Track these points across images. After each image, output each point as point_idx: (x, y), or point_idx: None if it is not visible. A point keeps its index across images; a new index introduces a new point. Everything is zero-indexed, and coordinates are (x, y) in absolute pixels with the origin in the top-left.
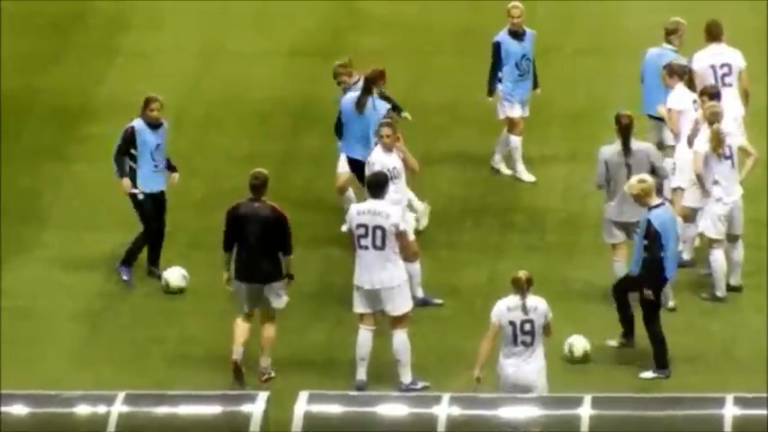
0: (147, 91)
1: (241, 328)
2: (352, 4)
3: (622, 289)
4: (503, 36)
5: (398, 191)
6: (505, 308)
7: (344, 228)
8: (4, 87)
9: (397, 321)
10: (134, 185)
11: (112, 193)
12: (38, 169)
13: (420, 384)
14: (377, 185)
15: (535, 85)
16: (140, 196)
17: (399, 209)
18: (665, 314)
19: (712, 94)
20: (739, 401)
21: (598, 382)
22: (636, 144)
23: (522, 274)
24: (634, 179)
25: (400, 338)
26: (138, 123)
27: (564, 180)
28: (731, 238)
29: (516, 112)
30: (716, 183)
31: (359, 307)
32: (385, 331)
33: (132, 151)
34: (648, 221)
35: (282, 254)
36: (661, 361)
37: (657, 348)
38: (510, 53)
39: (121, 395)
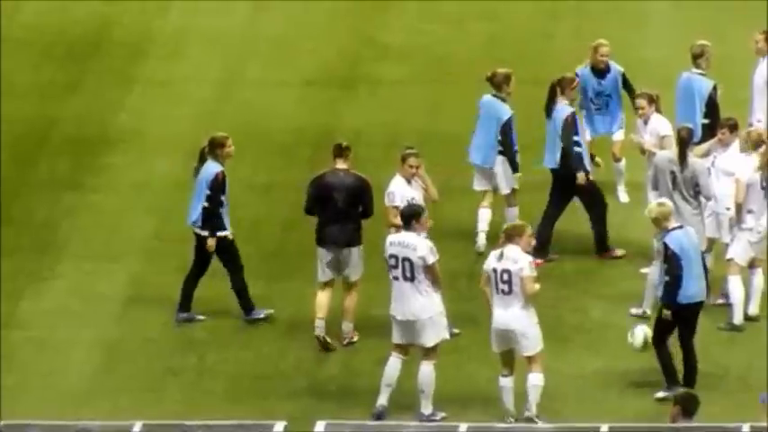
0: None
1: (320, 299)
2: (370, 34)
3: (658, 338)
4: (584, 69)
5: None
6: (493, 257)
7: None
8: (22, 117)
9: (426, 353)
10: (220, 229)
11: (129, 223)
12: (55, 199)
13: (439, 416)
14: (410, 217)
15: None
16: (230, 236)
17: (427, 241)
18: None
19: (731, 125)
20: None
21: (612, 408)
22: (691, 158)
23: (509, 227)
24: (654, 203)
25: (427, 370)
26: (220, 167)
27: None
28: (753, 265)
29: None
30: (749, 212)
31: (395, 338)
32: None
33: (222, 197)
34: (665, 245)
35: (363, 217)
36: (672, 381)
37: (686, 371)
38: (588, 88)
39: (138, 425)
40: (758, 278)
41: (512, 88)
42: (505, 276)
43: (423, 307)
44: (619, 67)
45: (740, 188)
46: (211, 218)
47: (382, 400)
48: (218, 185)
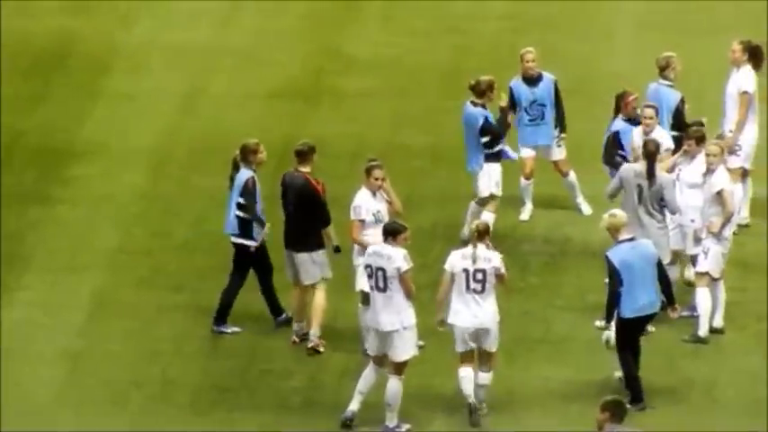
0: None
1: (292, 303)
2: (334, 46)
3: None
4: (515, 81)
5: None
6: (459, 256)
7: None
8: None
9: (396, 367)
10: (250, 238)
11: (94, 235)
12: (21, 211)
13: (404, 427)
14: (391, 233)
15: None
16: (256, 247)
17: (403, 250)
18: (649, 355)
19: (698, 137)
20: None
21: (576, 419)
22: (658, 172)
23: (479, 224)
24: (607, 213)
25: (395, 385)
26: (251, 173)
27: (546, 222)
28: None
29: (524, 153)
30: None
31: (371, 349)
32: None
33: (247, 200)
34: (606, 257)
35: (318, 225)
36: (635, 395)
37: (629, 382)
38: (521, 98)
39: None
40: (721, 290)
41: (495, 95)
42: (479, 276)
43: (392, 320)
44: (551, 76)
45: (727, 199)
46: (248, 224)
47: (353, 405)
48: (248, 192)
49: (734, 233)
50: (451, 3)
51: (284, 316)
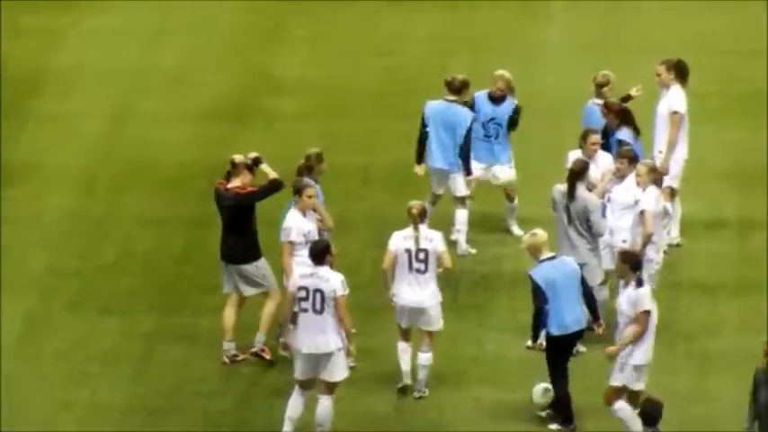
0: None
1: (224, 317)
2: (264, 67)
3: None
4: (481, 94)
5: None
6: (402, 237)
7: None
8: None
9: (328, 388)
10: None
11: (24, 257)
12: None
13: None
14: (323, 252)
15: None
16: None
17: (339, 274)
18: (580, 375)
19: (631, 157)
20: None
21: None
22: (581, 192)
23: (414, 206)
24: (528, 233)
25: (325, 405)
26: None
27: (478, 241)
28: None
29: (473, 171)
30: (651, 243)
31: (299, 373)
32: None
33: None
34: (530, 276)
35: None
36: (565, 415)
37: (560, 402)
38: (481, 113)
39: None
40: None
41: (469, 96)
42: (422, 255)
43: (328, 342)
44: (514, 101)
45: (647, 219)
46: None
47: (287, 427)
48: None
49: (664, 252)
50: (379, 24)
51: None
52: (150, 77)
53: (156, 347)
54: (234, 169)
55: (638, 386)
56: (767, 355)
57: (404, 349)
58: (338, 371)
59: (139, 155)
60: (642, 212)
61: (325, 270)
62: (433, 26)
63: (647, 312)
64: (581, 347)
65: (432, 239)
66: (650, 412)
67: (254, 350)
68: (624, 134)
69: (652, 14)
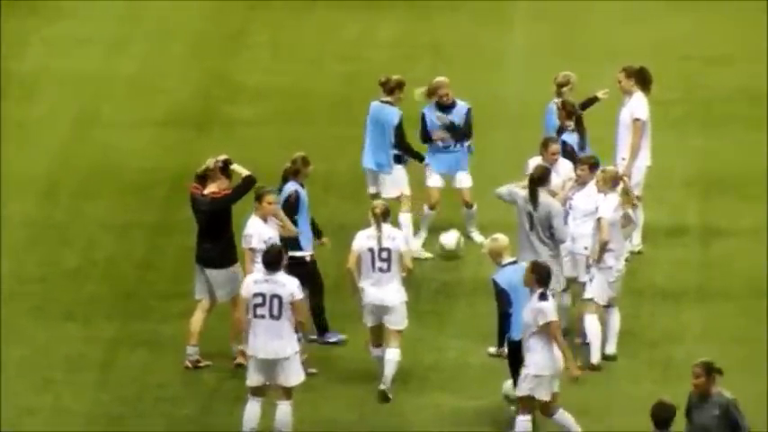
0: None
1: (192, 322)
2: (225, 73)
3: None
4: (428, 108)
5: None
6: (365, 237)
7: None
8: None
9: (286, 393)
10: (298, 248)
11: None
12: None
13: None
14: (273, 260)
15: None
16: (308, 258)
17: (296, 281)
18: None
19: (592, 164)
20: None
21: None
22: (544, 198)
23: (378, 206)
24: (489, 238)
25: (285, 410)
26: (296, 186)
27: (438, 248)
28: (609, 305)
29: (432, 182)
30: (609, 250)
31: (253, 380)
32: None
33: (295, 217)
34: (493, 281)
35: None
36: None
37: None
38: (433, 124)
39: None
40: (615, 317)
41: (403, 95)
42: (384, 254)
43: (284, 347)
44: (465, 104)
45: (603, 227)
46: (290, 239)
47: None
48: (290, 206)
49: (626, 260)
50: (340, 30)
51: (331, 336)
52: (112, 84)
53: (118, 353)
54: (210, 174)
55: (544, 396)
56: (697, 378)
57: (379, 354)
58: (294, 375)
59: (101, 161)
60: (598, 219)
61: (280, 275)
62: (394, 32)
63: (556, 322)
64: None
65: (394, 238)
66: (661, 414)
67: (237, 362)
68: (570, 137)
69: (615, 19)
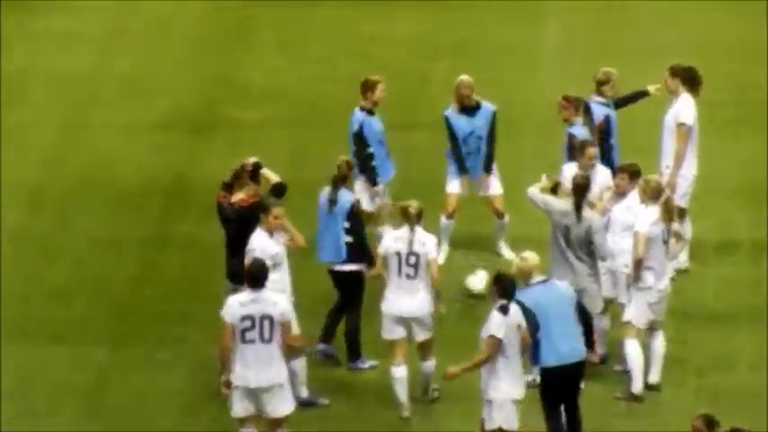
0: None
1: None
2: (228, 74)
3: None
4: (450, 111)
5: (282, 280)
6: (393, 239)
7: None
8: None
9: (278, 424)
10: (360, 262)
11: None
12: None
13: None
14: (257, 275)
15: (486, 167)
16: (364, 272)
17: (286, 297)
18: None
19: (633, 172)
20: None
21: None
22: (588, 212)
23: (412, 206)
24: (518, 257)
25: None
26: (353, 195)
27: (463, 265)
28: (652, 328)
29: (451, 188)
30: (649, 268)
31: (239, 410)
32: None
33: (353, 224)
34: (516, 301)
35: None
36: None
37: None
38: (458, 129)
39: None
40: (658, 342)
41: (378, 96)
42: (413, 260)
43: (274, 374)
44: (491, 106)
45: (639, 242)
46: (356, 249)
47: None
48: (354, 215)
49: (672, 279)
50: (355, 27)
51: (324, 347)
52: (104, 84)
53: (110, 380)
54: (236, 180)
55: (505, 425)
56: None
57: (401, 376)
58: (284, 403)
59: (92, 168)
60: (635, 234)
61: (267, 292)
62: (414, 29)
63: (492, 338)
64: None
65: (425, 244)
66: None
67: None
68: (578, 129)
69: (655, 16)
